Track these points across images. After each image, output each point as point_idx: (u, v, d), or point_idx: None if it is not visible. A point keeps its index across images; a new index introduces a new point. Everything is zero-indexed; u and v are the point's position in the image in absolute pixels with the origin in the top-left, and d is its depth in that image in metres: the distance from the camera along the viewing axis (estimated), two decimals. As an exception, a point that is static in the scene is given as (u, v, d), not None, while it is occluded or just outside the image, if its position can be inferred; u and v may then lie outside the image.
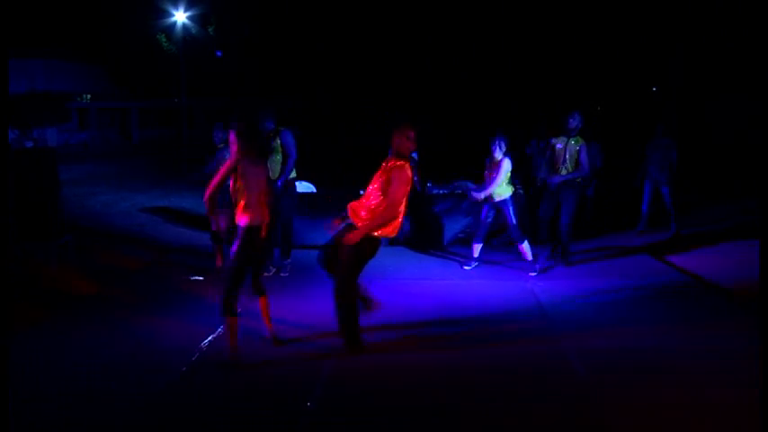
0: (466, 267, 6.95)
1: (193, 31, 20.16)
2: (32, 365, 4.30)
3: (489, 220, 6.77)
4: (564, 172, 6.65)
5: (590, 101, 18.33)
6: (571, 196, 6.71)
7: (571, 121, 6.64)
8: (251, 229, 4.32)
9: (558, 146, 6.71)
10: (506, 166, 6.51)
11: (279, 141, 6.42)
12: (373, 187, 4.39)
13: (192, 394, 3.92)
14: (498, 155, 6.54)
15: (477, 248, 6.90)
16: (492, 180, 6.51)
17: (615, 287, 6.09)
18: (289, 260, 6.74)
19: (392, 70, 19.02)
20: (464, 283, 6.51)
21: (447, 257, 7.57)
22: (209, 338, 4.79)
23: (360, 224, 4.34)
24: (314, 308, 5.46)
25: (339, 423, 3.52)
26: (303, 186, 9.22)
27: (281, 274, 6.62)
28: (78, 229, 7.88)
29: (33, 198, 6.66)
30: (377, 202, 4.33)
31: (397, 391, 3.87)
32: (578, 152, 6.60)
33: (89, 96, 26.75)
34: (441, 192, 8.70)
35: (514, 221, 6.61)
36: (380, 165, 4.44)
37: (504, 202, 6.60)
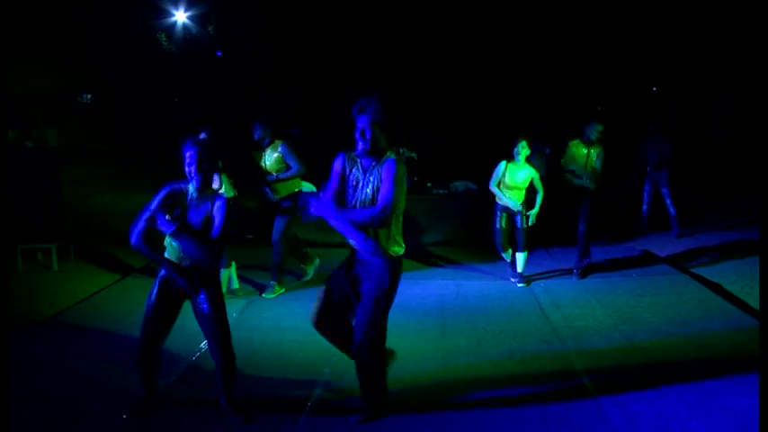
0: (519, 284, 6.39)
1: (194, 30, 20.16)
2: (32, 365, 4.30)
3: (501, 227, 6.32)
4: (586, 178, 6.44)
5: (590, 101, 18.30)
6: (587, 202, 6.52)
7: (592, 134, 6.32)
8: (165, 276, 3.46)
9: (576, 150, 6.46)
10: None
11: (277, 154, 5.89)
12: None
13: (191, 393, 3.92)
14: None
15: (511, 258, 6.46)
16: None
17: (616, 288, 6.10)
18: (273, 282, 6.05)
19: (392, 68, 19.02)
20: (464, 282, 6.51)
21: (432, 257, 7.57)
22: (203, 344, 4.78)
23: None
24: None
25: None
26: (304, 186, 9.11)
27: (263, 295, 5.98)
28: (78, 229, 7.88)
29: (34, 198, 6.66)
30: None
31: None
32: (596, 158, 6.36)
33: (89, 96, 26.70)
34: (441, 192, 8.72)
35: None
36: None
37: (521, 207, 6.24)
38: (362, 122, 3.24)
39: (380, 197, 3.22)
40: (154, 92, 22.56)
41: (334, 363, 4.36)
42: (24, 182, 6.64)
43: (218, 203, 3.38)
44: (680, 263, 6.92)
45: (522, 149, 6.05)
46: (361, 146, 3.28)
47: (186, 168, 3.36)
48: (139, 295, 5.96)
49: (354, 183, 3.34)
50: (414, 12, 18.32)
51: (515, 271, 6.38)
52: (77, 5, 18.62)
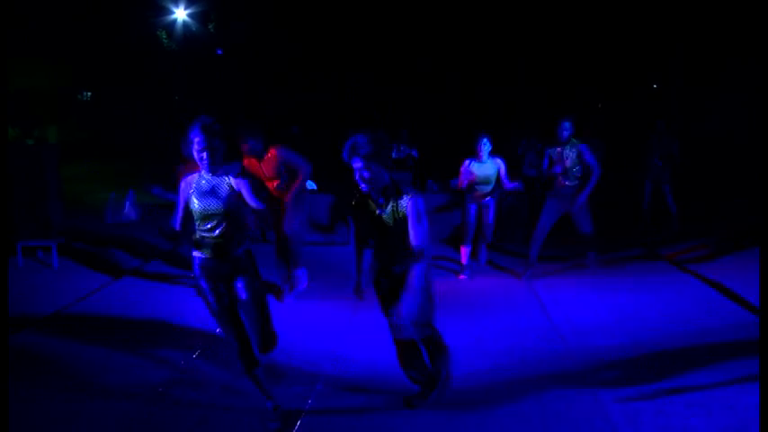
0: (462, 276, 6.67)
1: (194, 28, 20.16)
2: (32, 364, 4.30)
3: (475, 220, 6.58)
4: (569, 181, 6.34)
5: (590, 98, 18.30)
6: (585, 204, 6.42)
7: (565, 133, 6.28)
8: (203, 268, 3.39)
9: (555, 154, 6.36)
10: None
11: (276, 161, 5.61)
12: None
13: (189, 390, 3.93)
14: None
15: (467, 252, 6.67)
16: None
17: (616, 285, 6.09)
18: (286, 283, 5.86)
19: (392, 65, 19.02)
20: (464, 279, 6.52)
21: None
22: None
23: None
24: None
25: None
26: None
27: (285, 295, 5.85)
28: (79, 227, 7.88)
29: (34, 196, 6.65)
30: None
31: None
32: (581, 154, 6.27)
33: (89, 93, 26.70)
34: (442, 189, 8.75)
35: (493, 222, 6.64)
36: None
37: (491, 200, 6.58)
38: (357, 164, 3.28)
39: (414, 236, 3.30)
40: (154, 89, 22.54)
41: (337, 359, 4.37)
42: (25, 179, 6.63)
43: (236, 181, 3.29)
44: (680, 260, 6.91)
45: (485, 146, 6.32)
46: (364, 186, 3.34)
47: (196, 155, 3.25)
48: (140, 293, 6.00)
49: (375, 220, 3.39)
50: (415, 11, 18.33)
51: (481, 262, 6.81)
52: (78, 4, 18.60)
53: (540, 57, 17.86)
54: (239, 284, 3.36)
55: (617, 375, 3.97)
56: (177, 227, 3.36)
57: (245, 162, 5.56)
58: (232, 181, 3.29)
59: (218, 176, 3.30)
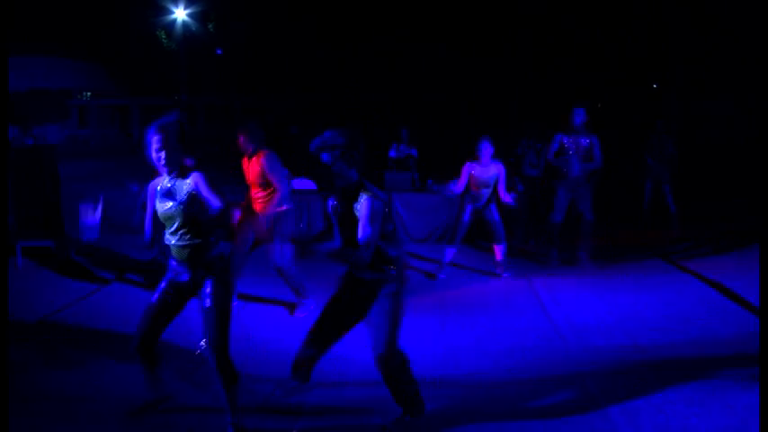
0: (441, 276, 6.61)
1: (193, 28, 20.17)
2: (30, 364, 4.30)
3: (468, 221, 6.55)
4: (578, 167, 6.44)
5: (590, 98, 18.32)
6: (588, 192, 6.57)
7: (578, 119, 6.41)
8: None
9: (566, 140, 6.50)
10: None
11: (259, 167, 5.22)
12: None
13: (188, 391, 3.92)
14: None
15: (451, 252, 6.63)
16: None
17: (616, 285, 6.09)
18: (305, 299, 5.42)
19: (387, 67, 19.02)
20: (464, 279, 6.51)
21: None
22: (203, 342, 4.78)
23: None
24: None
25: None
26: (302, 183, 8.99)
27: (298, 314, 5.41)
28: (78, 226, 7.86)
29: (33, 196, 6.64)
30: None
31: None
32: (593, 145, 6.45)
33: (89, 93, 26.76)
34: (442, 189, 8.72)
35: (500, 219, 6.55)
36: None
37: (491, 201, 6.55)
38: (325, 159, 3.27)
39: (360, 236, 3.20)
40: (154, 88, 22.55)
41: (336, 359, 4.36)
42: (24, 179, 6.62)
43: (193, 180, 3.18)
44: (680, 260, 6.91)
45: (486, 149, 6.28)
46: (338, 182, 3.33)
47: (154, 155, 3.16)
48: (139, 292, 5.99)
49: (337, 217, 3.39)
50: (414, 12, 18.33)
51: (498, 260, 6.58)
52: (78, 4, 18.63)
53: (540, 57, 17.86)
54: (205, 290, 3.25)
55: (617, 375, 3.97)
56: (148, 235, 3.35)
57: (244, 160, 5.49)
58: (190, 180, 3.18)
59: (177, 178, 3.21)
